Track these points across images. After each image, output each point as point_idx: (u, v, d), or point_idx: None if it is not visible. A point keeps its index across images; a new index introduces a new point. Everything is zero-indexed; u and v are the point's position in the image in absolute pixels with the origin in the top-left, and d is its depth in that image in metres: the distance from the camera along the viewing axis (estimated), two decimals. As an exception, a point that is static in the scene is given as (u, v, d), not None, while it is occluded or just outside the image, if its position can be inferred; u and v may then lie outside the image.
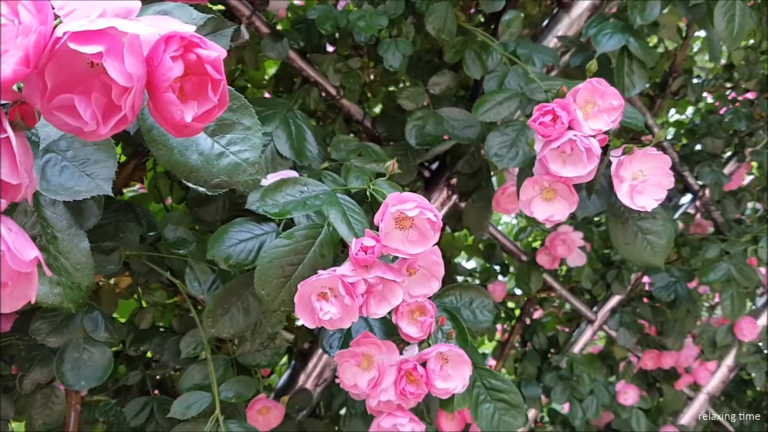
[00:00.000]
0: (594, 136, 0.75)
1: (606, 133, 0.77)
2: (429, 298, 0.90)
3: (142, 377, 1.05)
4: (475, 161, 1.17)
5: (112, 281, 1.05)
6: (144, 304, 1.03)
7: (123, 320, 1.10)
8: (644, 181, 0.79)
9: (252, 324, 0.78)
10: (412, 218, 0.67)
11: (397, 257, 0.71)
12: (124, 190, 1.10)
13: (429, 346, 0.79)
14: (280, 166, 0.81)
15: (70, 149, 0.52)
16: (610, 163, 0.82)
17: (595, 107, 0.76)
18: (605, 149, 0.80)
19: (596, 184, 0.82)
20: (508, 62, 1.05)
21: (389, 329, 0.87)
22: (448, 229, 1.80)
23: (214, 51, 0.37)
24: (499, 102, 0.96)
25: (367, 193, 0.73)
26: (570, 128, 0.76)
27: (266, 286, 0.66)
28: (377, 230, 0.67)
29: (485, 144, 0.93)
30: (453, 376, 0.78)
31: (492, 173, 1.16)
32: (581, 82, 0.77)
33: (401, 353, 0.83)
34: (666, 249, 0.86)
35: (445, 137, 1.08)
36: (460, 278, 1.80)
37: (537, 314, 2.22)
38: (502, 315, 1.95)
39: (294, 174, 0.74)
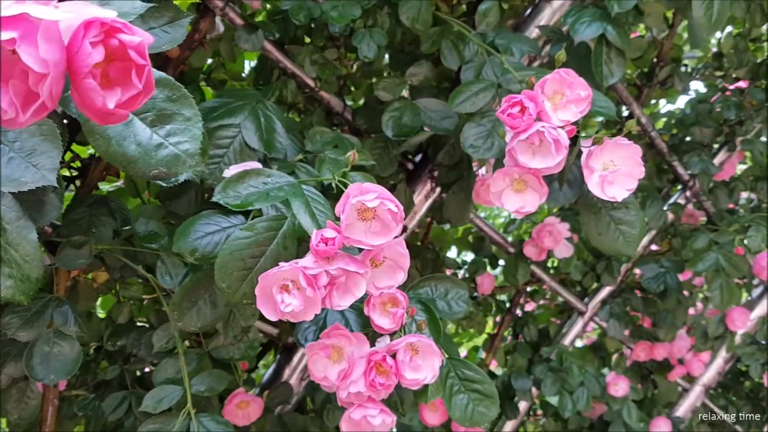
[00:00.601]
0: (562, 127, 0.75)
1: (575, 123, 0.76)
2: (405, 289, 0.90)
3: (120, 372, 1.05)
4: (455, 152, 1.16)
5: (89, 276, 1.05)
6: (121, 298, 1.03)
7: (103, 315, 1.10)
8: (615, 171, 0.78)
9: (220, 317, 0.77)
10: (374, 209, 0.67)
11: (361, 249, 0.71)
12: (101, 185, 1.09)
13: (402, 337, 0.79)
14: (249, 158, 0.81)
15: (17, 140, 0.51)
16: (580, 153, 0.81)
17: (564, 98, 0.76)
18: (575, 140, 0.79)
19: (567, 174, 0.82)
20: (486, 53, 1.04)
21: (365, 321, 0.87)
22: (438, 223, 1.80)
23: (138, 36, 0.36)
24: (475, 93, 0.95)
25: (333, 185, 0.73)
26: (539, 119, 0.75)
27: (227, 278, 0.66)
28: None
29: (461, 135, 0.93)
30: (423, 367, 0.78)
31: (474, 164, 1.15)
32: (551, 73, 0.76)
33: (374, 345, 0.83)
34: (638, 238, 0.85)
35: (426, 130, 1.07)
36: (449, 271, 1.80)
37: (529, 306, 2.21)
38: (493, 307, 1.94)
39: (257, 165, 0.73)
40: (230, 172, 0.70)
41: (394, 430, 1.64)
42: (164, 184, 0.90)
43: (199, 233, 0.75)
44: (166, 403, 0.83)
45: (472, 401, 0.85)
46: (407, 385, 0.78)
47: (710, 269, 1.47)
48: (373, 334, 0.85)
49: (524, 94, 0.74)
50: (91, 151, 1.09)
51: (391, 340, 0.81)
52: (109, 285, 1.05)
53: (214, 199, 0.67)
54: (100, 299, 1.31)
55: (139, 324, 1.07)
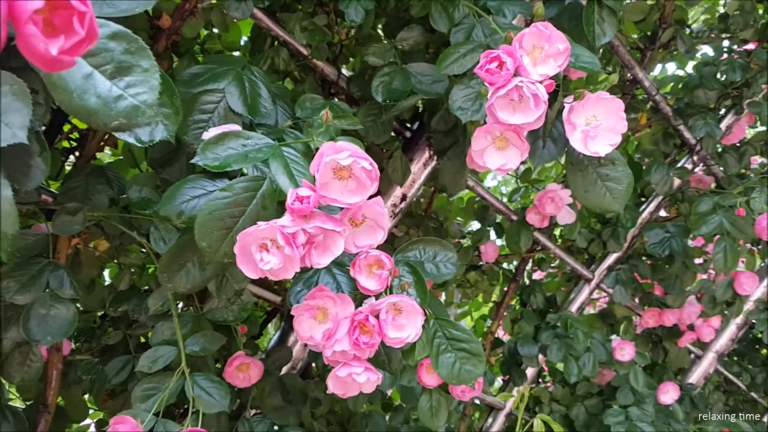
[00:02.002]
0: (541, 82, 0.75)
1: (554, 78, 0.76)
2: (393, 253, 0.91)
3: (123, 337, 1.08)
4: (450, 118, 1.16)
5: (91, 245, 1.07)
6: (122, 266, 1.06)
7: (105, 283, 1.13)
8: (597, 126, 0.78)
9: (209, 278, 0.79)
10: (350, 168, 0.68)
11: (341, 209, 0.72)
12: (101, 156, 1.11)
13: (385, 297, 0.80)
14: (233, 122, 0.82)
15: (-9, 101, 0.52)
16: (563, 109, 0.81)
17: (543, 52, 0.75)
18: (555, 95, 0.79)
19: (549, 130, 0.82)
20: (476, 15, 1.03)
21: (356, 285, 0.88)
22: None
23: (79, -16, 0.37)
24: (463, 54, 0.95)
25: (312, 147, 0.74)
26: (517, 75, 0.75)
27: (206, 238, 0.67)
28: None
29: (449, 98, 0.93)
30: (406, 326, 0.79)
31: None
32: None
33: (360, 306, 0.84)
34: (626, 195, 0.85)
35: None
36: (455, 241, 1.81)
37: (538, 276, 2.22)
38: (500, 277, 1.95)
39: (237, 127, 0.74)
40: (210, 134, 0.71)
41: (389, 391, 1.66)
42: (155, 154, 0.92)
43: (185, 197, 0.77)
44: (161, 363, 0.85)
45: (459, 359, 0.87)
46: (391, 343, 0.79)
47: (714, 232, 1.46)
48: (361, 297, 0.87)
49: (502, 48, 0.74)
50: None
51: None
52: (111, 253, 1.07)
53: (193, 161, 0.69)
54: (109, 269, 1.34)
55: (142, 290, 1.09)
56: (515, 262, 1.90)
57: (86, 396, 1.24)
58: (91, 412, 1.34)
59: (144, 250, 1.02)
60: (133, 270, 1.07)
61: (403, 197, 1.36)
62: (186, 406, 0.91)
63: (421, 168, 1.35)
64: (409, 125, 1.35)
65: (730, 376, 2.36)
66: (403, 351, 0.89)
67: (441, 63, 0.95)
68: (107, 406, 1.17)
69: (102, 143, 1.05)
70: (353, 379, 0.79)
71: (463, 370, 0.86)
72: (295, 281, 0.92)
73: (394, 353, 0.87)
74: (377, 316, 0.78)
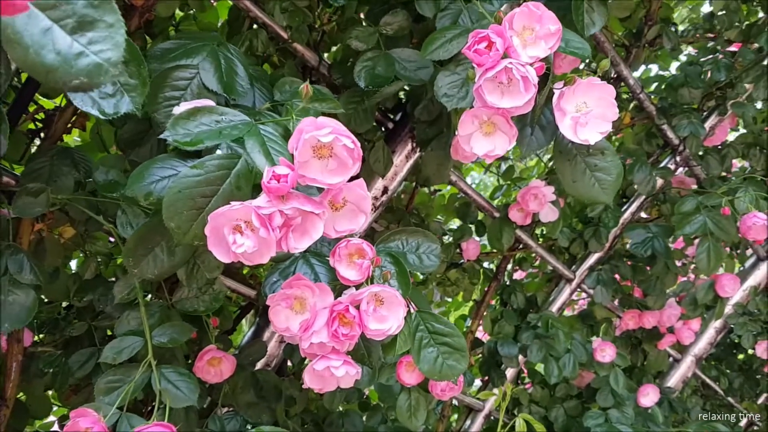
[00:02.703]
0: (531, 64, 0.72)
1: (544, 60, 0.73)
2: (375, 243, 0.88)
3: (88, 329, 1.02)
4: (434, 108, 1.13)
5: (56, 232, 1.02)
6: (88, 254, 1.01)
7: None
8: (588, 113, 0.75)
9: (178, 265, 0.75)
10: (330, 147, 0.64)
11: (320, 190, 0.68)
12: (65, 139, 1.06)
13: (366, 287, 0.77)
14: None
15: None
16: (552, 95, 0.78)
17: (533, 33, 0.72)
18: (545, 78, 0.76)
19: (537, 116, 0.79)
20: (463, 0, 1.00)
21: (334, 275, 0.84)
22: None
23: None
24: (449, 39, 0.91)
25: (290, 127, 0.70)
26: (506, 56, 0.72)
27: (176, 218, 0.63)
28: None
29: (435, 84, 0.90)
30: (387, 317, 0.76)
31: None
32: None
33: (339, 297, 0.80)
34: (615, 185, 0.83)
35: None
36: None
37: (519, 275, 2.20)
38: (480, 276, 1.92)
39: (210, 103, 0.70)
40: (181, 108, 0.67)
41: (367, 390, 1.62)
42: (124, 135, 0.87)
43: (154, 177, 0.73)
44: (126, 354, 0.81)
45: (441, 354, 0.83)
46: (371, 335, 0.75)
47: (697, 232, 1.45)
48: (341, 288, 0.83)
49: (491, 28, 0.71)
50: (56, 102, 1.06)
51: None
52: (77, 241, 1.02)
53: (162, 136, 0.64)
54: (76, 259, 1.29)
55: (108, 280, 1.04)
56: (496, 261, 1.87)
57: (49, 391, 1.19)
58: (55, 408, 1.28)
59: (112, 239, 0.97)
60: (99, 258, 1.02)
61: (385, 190, 1.32)
62: (154, 403, 0.87)
63: (403, 160, 1.31)
64: (391, 116, 1.31)
65: (708, 380, 2.36)
66: (384, 345, 0.85)
67: (426, 48, 0.91)
68: (71, 401, 1.11)
69: (69, 125, 1.00)
70: (331, 372, 0.75)
71: (445, 365, 0.83)
72: (270, 271, 0.88)
73: (374, 347, 0.84)
74: (358, 307, 0.75)
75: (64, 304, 1.12)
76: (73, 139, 1.24)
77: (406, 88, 1.26)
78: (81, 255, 1.07)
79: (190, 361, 1.09)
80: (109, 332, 1.10)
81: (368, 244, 0.77)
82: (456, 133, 1.10)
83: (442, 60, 0.94)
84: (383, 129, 1.31)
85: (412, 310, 0.84)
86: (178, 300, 0.90)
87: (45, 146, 0.97)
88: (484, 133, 0.77)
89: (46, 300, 1.06)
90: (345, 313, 0.74)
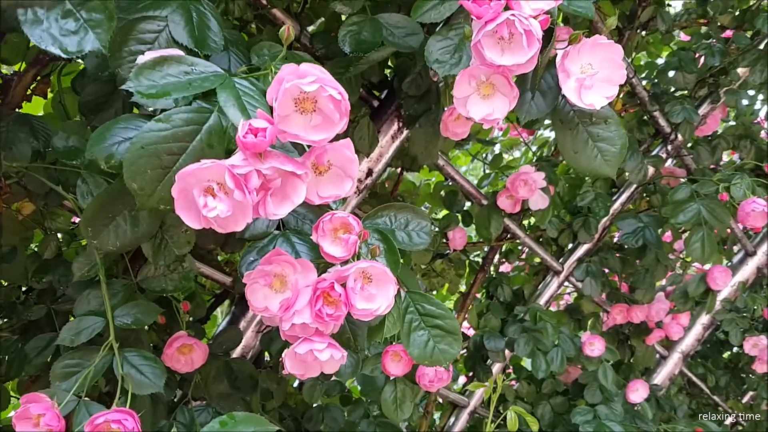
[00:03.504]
0: (535, 17, 0.65)
1: (548, 13, 0.67)
2: (361, 219, 0.81)
3: (48, 312, 0.94)
4: (423, 82, 1.06)
5: (14, 208, 0.94)
6: (48, 231, 0.93)
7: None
8: (593, 75, 0.69)
9: (143, 237, 0.67)
10: (315, 99, 0.57)
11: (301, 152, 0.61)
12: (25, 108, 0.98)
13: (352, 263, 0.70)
14: (178, 57, 0.70)
15: None
16: (555, 57, 0.72)
17: (537, -16, 0.66)
18: (550, 35, 0.70)
19: (540, 76, 0.73)
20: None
21: (318, 255, 0.78)
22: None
23: None
24: (441, 1, 0.85)
25: (270, 78, 0.62)
26: (508, 9, 0.66)
27: (138, 178, 0.56)
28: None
29: (426, 50, 0.83)
30: (376, 296, 0.69)
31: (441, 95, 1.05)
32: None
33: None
34: (619, 157, 0.77)
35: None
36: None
37: (505, 269, 2.14)
38: (466, 268, 1.86)
39: (179, 52, 0.63)
40: (146, 57, 0.60)
41: (354, 382, 1.55)
42: (86, 97, 0.80)
43: (117, 138, 0.65)
44: (86, 335, 0.73)
45: (432, 338, 0.77)
46: (358, 315, 0.69)
47: (691, 221, 1.40)
48: (324, 267, 0.76)
49: (492, -23, 0.65)
50: (14, 68, 0.97)
51: (342, 268, 0.71)
52: (36, 218, 0.94)
53: (123, 87, 0.57)
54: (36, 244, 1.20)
55: (69, 261, 0.96)
56: (482, 253, 1.81)
57: (8, 384, 1.10)
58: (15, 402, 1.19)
59: (76, 220, 0.89)
60: (60, 237, 0.94)
61: (369, 172, 1.25)
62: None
63: (389, 141, 1.25)
64: (377, 93, 1.25)
65: (695, 378, 2.32)
66: (371, 328, 0.78)
67: (416, 10, 0.85)
68: (30, 391, 1.03)
69: (29, 91, 0.92)
70: (314, 356, 0.68)
71: (437, 349, 0.76)
72: (247, 250, 0.81)
73: (361, 330, 0.77)
74: (343, 285, 0.68)
75: (23, 288, 1.03)
76: (34, 111, 1.15)
77: (392, 64, 1.20)
78: (41, 233, 0.98)
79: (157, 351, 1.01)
80: (71, 318, 1.02)
81: (354, 217, 0.70)
82: (445, 108, 1.04)
83: (433, 25, 0.88)
84: (368, 107, 1.24)
85: (401, 291, 0.78)
86: (144, 278, 0.82)
87: (2, 112, 0.89)
88: (482, 96, 0.71)
89: (4, 283, 0.97)
90: (330, 292, 0.67)
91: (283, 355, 1.18)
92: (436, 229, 1.62)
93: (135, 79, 0.57)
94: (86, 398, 0.71)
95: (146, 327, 0.89)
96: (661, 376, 2.12)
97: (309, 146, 0.60)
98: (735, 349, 2.51)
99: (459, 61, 0.82)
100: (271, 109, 0.57)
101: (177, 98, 0.58)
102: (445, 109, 1.01)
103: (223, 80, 0.60)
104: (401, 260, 0.77)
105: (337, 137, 0.60)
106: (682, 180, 1.73)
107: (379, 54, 0.95)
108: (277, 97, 0.55)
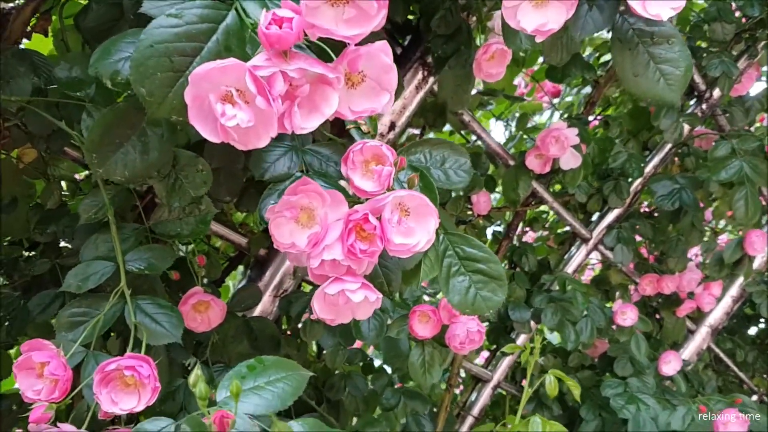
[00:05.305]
0: None
1: None
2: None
3: (52, 267, 0.87)
4: (453, 19, 0.98)
5: (14, 154, 0.87)
6: (50, 178, 0.86)
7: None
8: (659, -20, 0.61)
9: (154, 165, 0.60)
10: (347, -12, 0.50)
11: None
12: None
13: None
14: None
15: None
16: (615, -39, 0.64)
17: None
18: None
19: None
20: None
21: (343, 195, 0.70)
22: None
23: None
24: None
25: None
26: None
27: (147, 81, 0.48)
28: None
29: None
30: (415, 230, 0.61)
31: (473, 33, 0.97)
32: None
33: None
34: (684, 80, 0.68)
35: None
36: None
37: (528, 238, 2.07)
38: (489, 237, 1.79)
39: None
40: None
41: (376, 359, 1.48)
42: (89, 23, 0.72)
43: (124, 53, 0.59)
44: (94, 281, 0.66)
45: (474, 284, 0.69)
46: (395, 252, 0.61)
47: (733, 177, 1.32)
48: (353, 205, 0.69)
49: None
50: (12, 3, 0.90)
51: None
52: (39, 167, 0.87)
53: (143, 10, 0.49)
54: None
55: (74, 212, 0.89)
56: (505, 220, 1.73)
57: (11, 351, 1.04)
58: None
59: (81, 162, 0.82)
60: (65, 186, 0.87)
61: (392, 126, 1.18)
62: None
63: (412, 92, 1.17)
64: (400, 40, 1.17)
65: (722, 354, 2.23)
66: (405, 273, 0.71)
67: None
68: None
69: (29, 28, 0.85)
70: (347, 298, 0.61)
71: (479, 296, 0.69)
72: (267, 193, 0.74)
73: (395, 274, 0.70)
74: (378, 218, 0.60)
75: (27, 245, 0.96)
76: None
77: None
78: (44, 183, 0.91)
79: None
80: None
81: (388, 147, 0.62)
82: (479, 45, 0.96)
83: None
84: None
85: (439, 233, 0.70)
86: (158, 222, 0.75)
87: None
88: (535, 4, 0.63)
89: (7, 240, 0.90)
90: (363, 225, 0.60)
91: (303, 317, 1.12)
92: (461, 193, 1.54)
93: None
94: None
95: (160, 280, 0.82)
96: (689, 351, 2.03)
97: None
98: (762, 325, 2.43)
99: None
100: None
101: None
102: (479, 46, 0.93)
103: (243, -27, 0.52)
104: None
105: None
106: (720, 135, 1.65)
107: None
108: (306, -15, 0.47)
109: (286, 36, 0.46)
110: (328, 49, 0.51)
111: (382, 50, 0.53)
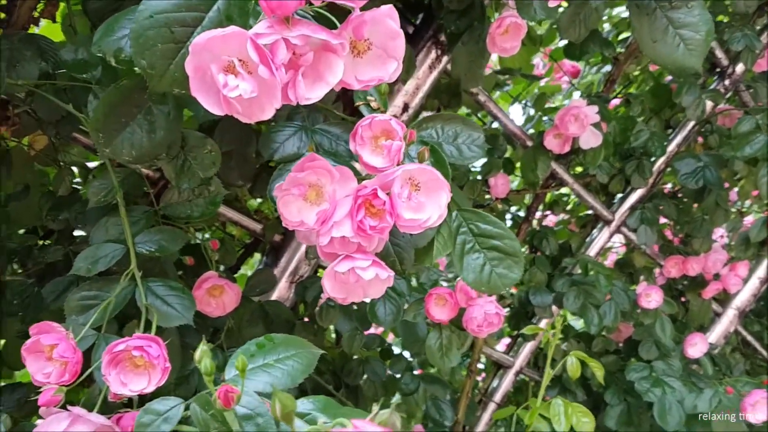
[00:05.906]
0: None
1: None
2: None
3: (66, 255, 0.87)
4: (466, -7, 0.96)
5: (25, 141, 0.87)
6: (61, 165, 0.85)
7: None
8: (678, -62, 0.59)
9: (161, 144, 0.59)
10: (351, -48, 0.48)
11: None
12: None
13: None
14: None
15: None
16: None
17: None
18: None
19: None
20: None
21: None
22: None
23: None
24: None
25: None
26: None
27: (147, 53, 0.47)
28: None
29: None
30: (426, 205, 0.60)
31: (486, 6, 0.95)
32: None
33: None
34: (705, 45, 0.66)
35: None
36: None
37: (548, 222, 2.04)
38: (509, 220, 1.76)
39: None
40: None
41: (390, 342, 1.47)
42: (94, 3, 0.72)
43: (127, 30, 0.57)
44: (104, 263, 0.66)
45: (489, 261, 0.68)
46: (405, 227, 0.60)
47: (758, 153, 1.28)
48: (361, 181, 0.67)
49: None
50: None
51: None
52: (49, 154, 0.87)
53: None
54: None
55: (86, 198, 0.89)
56: (524, 204, 1.71)
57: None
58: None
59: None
60: (76, 172, 0.87)
61: (405, 107, 1.16)
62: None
63: (426, 72, 1.14)
64: (412, 19, 1.14)
65: (749, 337, 2.19)
66: (418, 250, 0.69)
67: None
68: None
69: (36, 13, 0.85)
70: (357, 276, 0.59)
71: (494, 273, 0.67)
72: (276, 174, 0.73)
73: (407, 252, 0.68)
74: (388, 194, 0.59)
75: (41, 233, 0.96)
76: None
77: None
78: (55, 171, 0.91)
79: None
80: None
81: (398, 121, 0.61)
82: (492, 20, 0.93)
83: None
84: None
85: (452, 209, 0.69)
86: (167, 205, 0.74)
87: (7, 33, 0.81)
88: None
89: (14, 224, 0.90)
90: (372, 200, 0.58)
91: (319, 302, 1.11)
92: (478, 177, 1.52)
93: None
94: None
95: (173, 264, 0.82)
96: (715, 334, 1.99)
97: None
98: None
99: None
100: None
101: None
102: (492, 21, 0.91)
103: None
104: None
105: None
106: (744, 111, 1.60)
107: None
108: (307, -53, 0.46)
109: (287, 2, 0.45)
110: (331, 17, 0.50)
111: (388, 15, 0.51)
